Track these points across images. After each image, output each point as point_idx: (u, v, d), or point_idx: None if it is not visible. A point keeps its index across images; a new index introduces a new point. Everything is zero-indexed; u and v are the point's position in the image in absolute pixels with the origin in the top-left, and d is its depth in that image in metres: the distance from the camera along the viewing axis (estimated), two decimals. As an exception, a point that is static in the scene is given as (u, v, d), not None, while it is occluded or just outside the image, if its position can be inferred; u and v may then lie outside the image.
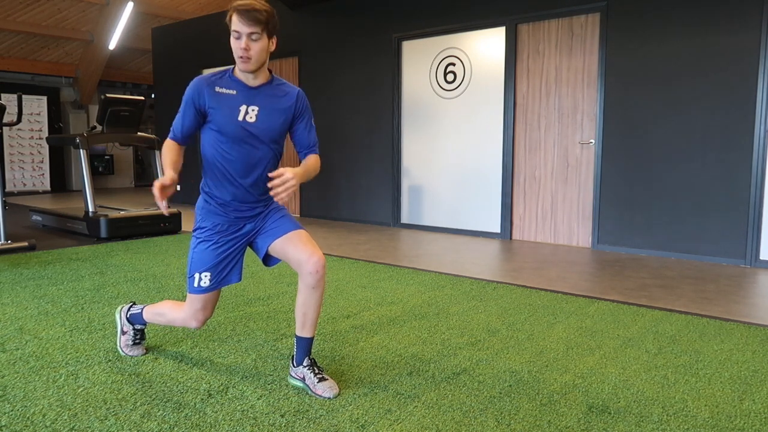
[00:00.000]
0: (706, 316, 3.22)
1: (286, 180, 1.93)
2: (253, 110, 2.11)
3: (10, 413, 1.98)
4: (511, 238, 5.89)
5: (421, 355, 2.57)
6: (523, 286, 3.88)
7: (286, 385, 2.22)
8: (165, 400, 2.09)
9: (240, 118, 2.10)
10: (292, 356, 2.26)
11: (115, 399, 2.09)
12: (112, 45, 11.09)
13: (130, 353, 2.51)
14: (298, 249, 2.14)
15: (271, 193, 1.96)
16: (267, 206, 2.25)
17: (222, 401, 2.09)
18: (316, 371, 2.19)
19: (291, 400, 2.10)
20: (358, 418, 1.97)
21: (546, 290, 3.76)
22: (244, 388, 2.20)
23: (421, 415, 2.00)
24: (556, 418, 1.99)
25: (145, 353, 2.54)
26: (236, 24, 2.00)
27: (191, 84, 2.13)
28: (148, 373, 2.34)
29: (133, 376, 2.30)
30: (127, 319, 2.51)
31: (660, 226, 4.97)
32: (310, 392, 2.15)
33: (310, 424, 1.93)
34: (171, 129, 2.17)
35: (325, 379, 2.18)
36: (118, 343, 2.54)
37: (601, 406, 2.08)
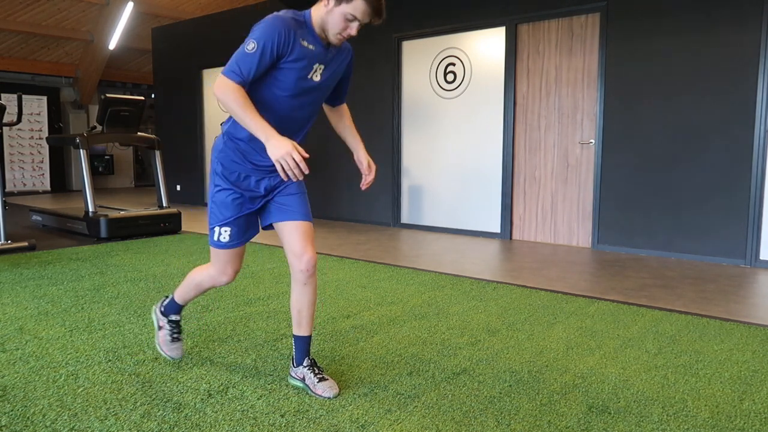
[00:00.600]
0: (706, 316, 3.22)
1: (375, 169, 2.26)
2: (320, 68, 2.02)
3: (10, 413, 1.98)
4: (511, 238, 5.89)
5: (421, 355, 2.57)
6: (523, 286, 3.88)
7: (286, 385, 2.22)
8: (165, 400, 2.09)
9: (309, 76, 2.00)
10: (292, 356, 2.26)
11: (115, 399, 2.09)
12: (112, 45, 11.09)
13: (170, 353, 2.39)
14: (294, 241, 2.13)
15: (364, 186, 2.24)
16: None
17: (222, 401, 2.09)
18: (316, 371, 2.18)
19: (291, 400, 2.10)
20: (358, 418, 1.97)
21: (546, 290, 3.76)
22: (244, 388, 2.20)
23: (421, 415, 2.00)
24: (556, 418, 1.99)
25: (182, 356, 2.44)
26: (359, 11, 1.90)
27: (275, 22, 1.89)
28: (148, 373, 2.33)
29: (133, 376, 2.30)
30: (161, 311, 2.42)
31: (660, 226, 4.97)
32: (310, 392, 2.15)
33: (310, 424, 1.93)
34: (234, 69, 1.87)
35: (326, 379, 2.17)
36: (157, 343, 2.43)
37: (601, 406, 2.08)
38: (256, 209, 2.15)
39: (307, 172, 1.89)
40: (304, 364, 2.21)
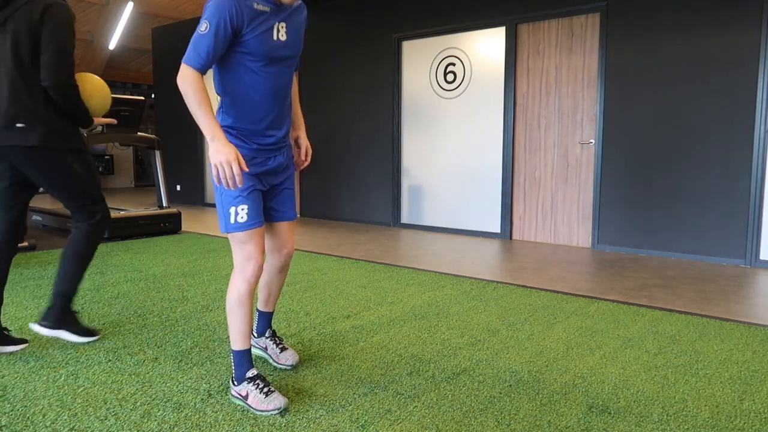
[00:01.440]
0: (706, 316, 3.22)
1: (311, 155, 2.34)
2: (282, 27, 1.96)
3: (10, 413, 1.98)
4: (511, 238, 5.89)
5: (421, 355, 2.57)
6: (523, 286, 3.88)
7: (287, 386, 2.22)
8: (165, 400, 2.09)
9: (274, 37, 1.93)
10: (252, 329, 2.33)
11: (115, 399, 2.09)
12: (112, 45, 11.09)
13: (272, 407, 1.97)
14: (280, 237, 2.23)
15: (300, 165, 2.24)
16: (285, 143, 2.11)
17: (222, 401, 2.09)
18: (278, 341, 2.35)
19: (291, 400, 2.10)
20: (358, 418, 1.97)
21: (546, 290, 3.76)
22: (244, 388, 2.20)
23: (421, 415, 2.00)
24: (556, 418, 1.99)
25: (286, 402, 2.01)
26: None
27: None
28: (148, 373, 2.34)
29: (133, 376, 2.30)
30: (235, 383, 2.07)
31: (660, 226, 4.97)
32: (272, 361, 2.33)
33: (310, 424, 1.93)
34: (192, 55, 1.83)
35: (286, 349, 2.34)
36: (255, 412, 1.99)
37: (601, 406, 2.08)
38: (264, 190, 2.09)
39: (241, 186, 1.86)
40: (267, 334, 2.39)
